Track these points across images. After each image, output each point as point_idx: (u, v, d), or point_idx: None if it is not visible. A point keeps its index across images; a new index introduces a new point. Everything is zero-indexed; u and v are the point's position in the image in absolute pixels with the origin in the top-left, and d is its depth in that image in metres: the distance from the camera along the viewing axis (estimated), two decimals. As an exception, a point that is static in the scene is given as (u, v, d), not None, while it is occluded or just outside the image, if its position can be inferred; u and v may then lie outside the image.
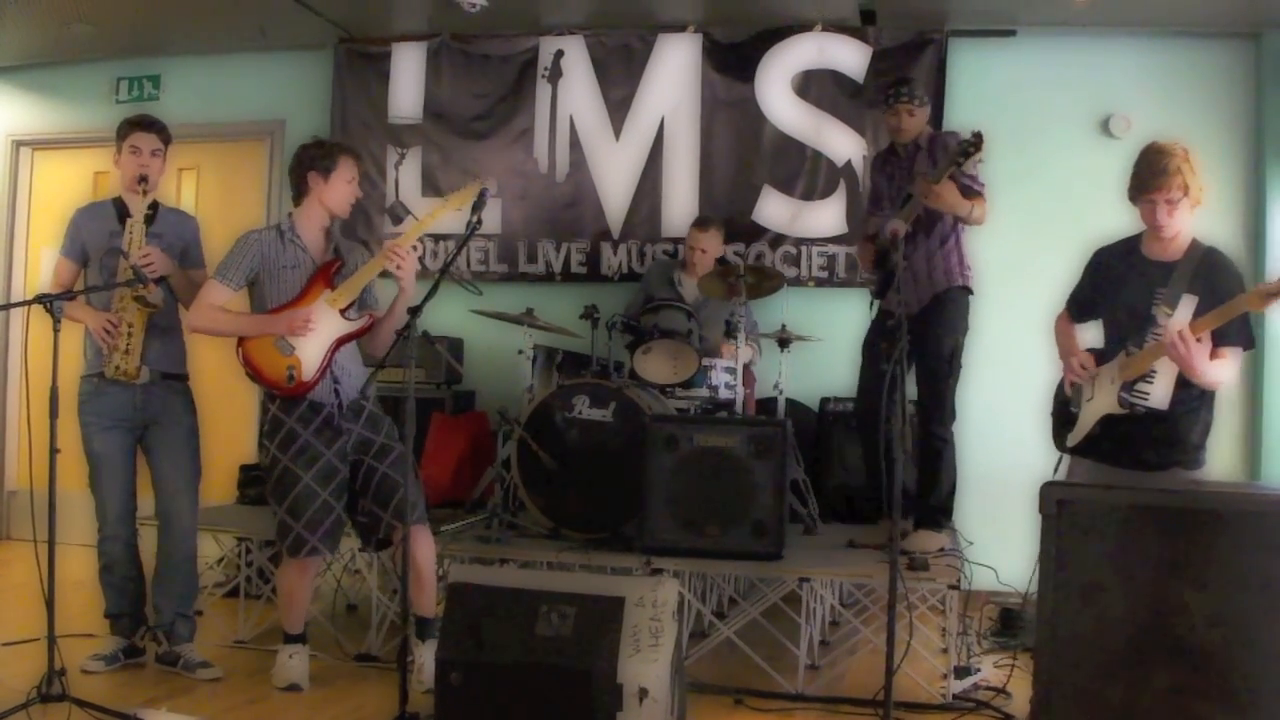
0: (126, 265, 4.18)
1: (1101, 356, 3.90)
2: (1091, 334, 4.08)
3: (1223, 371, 3.60)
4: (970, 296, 4.85)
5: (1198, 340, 3.49)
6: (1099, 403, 3.77)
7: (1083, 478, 3.79)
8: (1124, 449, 3.72)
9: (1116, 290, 3.83)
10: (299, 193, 4.28)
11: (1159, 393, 3.61)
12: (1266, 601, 2.72)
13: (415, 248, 4.14)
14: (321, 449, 4.13)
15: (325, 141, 4.41)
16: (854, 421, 5.38)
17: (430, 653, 4.21)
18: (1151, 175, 3.70)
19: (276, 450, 4.13)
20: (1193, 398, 3.65)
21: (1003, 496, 5.28)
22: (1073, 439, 3.87)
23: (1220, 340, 3.58)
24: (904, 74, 5.60)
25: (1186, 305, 3.59)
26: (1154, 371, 3.62)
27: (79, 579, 4.66)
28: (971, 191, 4.67)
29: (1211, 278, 3.64)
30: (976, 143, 4.43)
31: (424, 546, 4.20)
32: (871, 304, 4.95)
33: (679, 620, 3.40)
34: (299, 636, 4.25)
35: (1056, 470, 3.88)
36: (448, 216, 4.35)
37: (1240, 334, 3.62)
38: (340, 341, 4.15)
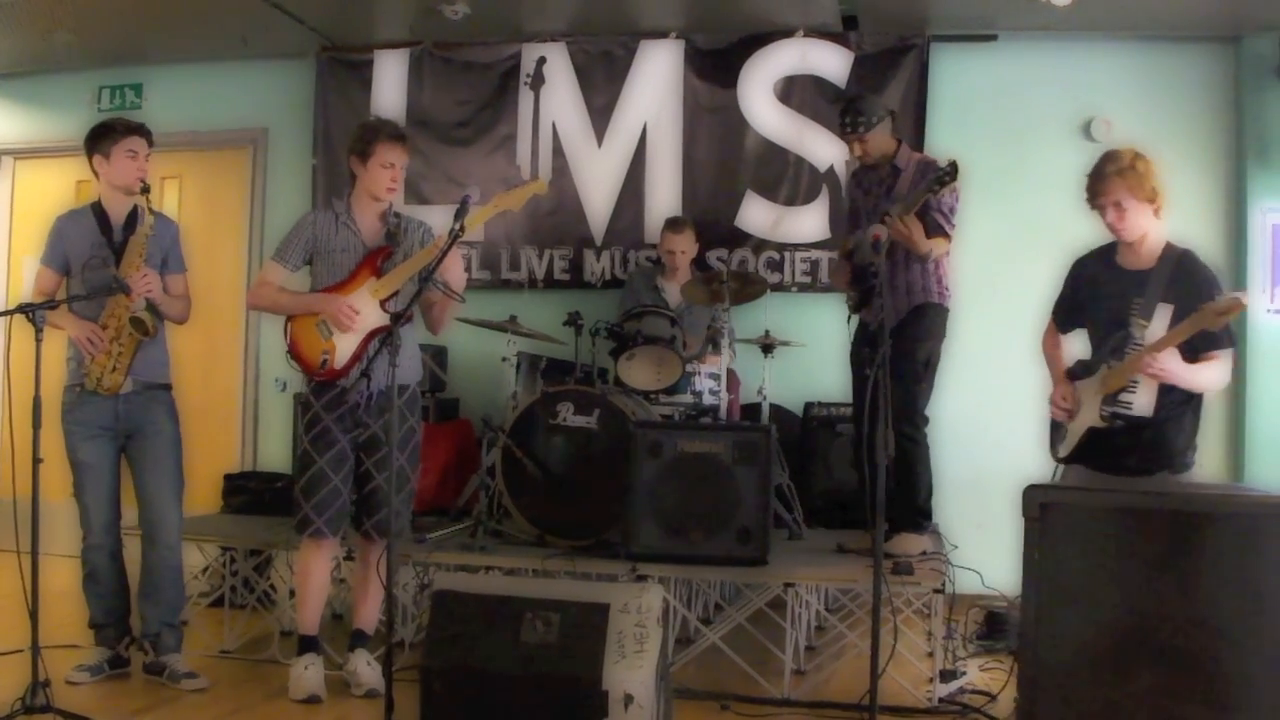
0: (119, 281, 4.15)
1: (1087, 366, 3.93)
2: (1080, 344, 4.10)
3: (1211, 374, 3.63)
4: (948, 313, 4.88)
5: (1171, 350, 3.52)
6: (1084, 416, 3.81)
7: (1076, 483, 3.82)
8: (1110, 456, 3.75)
9: (1096, 300, 3.85)
10: (350, 175, 4.35)
11: (1142, 401, 3.64)
12: (1250, 603, 2.73)
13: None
14: (339, 435, 4.18)
15: (373, 123, 4.37)
16: (842, 426, 5.39)
17: (362, 660, 4.27)
18: (1094, 180, 3.74)
19: (303, 431, 4.23)
20: (1177, 402, 3.67)
21: (987, 500, 5.28)
22: (1064, 450, 3.91)
23: (1206, 345, 3.60)
24: (853, 96, 5.48)
25: (1162, 315, 3.60)
26: (1136, 381, 3.64)
27: (62, 589, 4.63)
28: (937, 229, 4.68)
29: (1186, 285, 3.64)
30: (951, 172, 4.44)
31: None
32: (849, 318, 4.98)
33: (664, 626, 3.39)
34: (312, 642, 4.21)
35: (1055, 478, 3.90)
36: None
37: (1224, 336, 3.63)
38: (374, 334, 4.14)
